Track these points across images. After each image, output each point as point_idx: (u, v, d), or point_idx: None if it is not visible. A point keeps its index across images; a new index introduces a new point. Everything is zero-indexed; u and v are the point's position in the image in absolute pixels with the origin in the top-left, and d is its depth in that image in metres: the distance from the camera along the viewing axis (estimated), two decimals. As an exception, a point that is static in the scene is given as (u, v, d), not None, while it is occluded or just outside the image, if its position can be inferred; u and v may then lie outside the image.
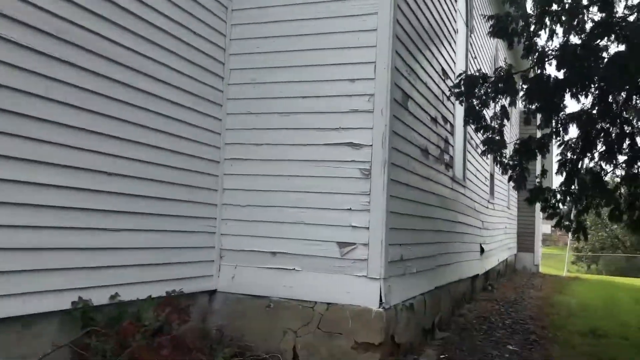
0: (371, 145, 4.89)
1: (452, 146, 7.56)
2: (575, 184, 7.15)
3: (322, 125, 5.10)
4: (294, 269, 5.08)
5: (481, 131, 6.59)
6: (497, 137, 6.52)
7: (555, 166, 7.38)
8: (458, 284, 8.23)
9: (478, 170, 9.74)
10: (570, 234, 7.80)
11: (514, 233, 16.99)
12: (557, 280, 15.60)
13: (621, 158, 7.11)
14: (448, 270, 7.43)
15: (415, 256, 5.79)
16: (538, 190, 7.22)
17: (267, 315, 5.09)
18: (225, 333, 5.13)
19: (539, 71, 6.48)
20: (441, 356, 5.73)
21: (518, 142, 7.13)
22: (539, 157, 7.41)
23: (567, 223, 7.79)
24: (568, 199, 7.58)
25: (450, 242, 7.60)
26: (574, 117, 6.68)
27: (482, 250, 10.11)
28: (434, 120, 6.56)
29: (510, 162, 7.19)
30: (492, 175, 11.86)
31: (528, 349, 6.36)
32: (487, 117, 6.59)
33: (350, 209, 4.92)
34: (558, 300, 10.57)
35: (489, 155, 7.17)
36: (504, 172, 7.26)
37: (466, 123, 6.41)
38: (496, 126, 6.55)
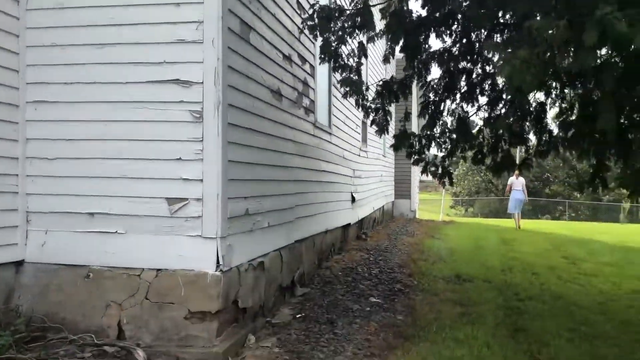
0: (202, 82, 4.15)
1: (313, 89, 6.98)
2: (438, 127, 6.91)
3: (144, 59, 4.26)
4: (116, 231, 4.30)
5: (339, 71, 6.04)
6: (355, 77, 6.01)
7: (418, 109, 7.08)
8: (325, 235, 7.85)
9: (347, 117, 9.32)
10: (437, 180, 7.63)
11: (391, 181, 17.13)
12: (432, 225, 16.01)
13: (483, 100, 6.96)
14: (312, 221, 6.98)
15: (267, 209, 5.21)
16: (402, 136, 6.89)
17: (86, 287, 4.30)
18: (35, 311, 4.29)
19: (400, 5, 6.00)
20: (298, 315, 5.29)
21: (380, 83, 6.70)
22: (412, 100, 7.08)
23: (432, 169, 7.61)
24: (433, 143, 7.37)
25: (314, 192, 7.13)
26: (435, 56, 6.33)
27: (353, 199, 9.84)
28: (288, 58, 5.90)
29: (372, 105, 6.77)
30: (364, 123, 11.55)
31: (391, 300, 6.12)
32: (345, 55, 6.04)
33: (180, 159, 4.19)
34: (429, 246, 10.66)
35: (349, 99, 6.69)
36: (366, 115, 6.84)
37: (322, 61, 5.83)
38: (354, 65, 6.03)
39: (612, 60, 4.46)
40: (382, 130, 7.00)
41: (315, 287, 6.43)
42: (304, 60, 6.49)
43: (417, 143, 7.24)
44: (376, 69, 12.28)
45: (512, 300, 6.40)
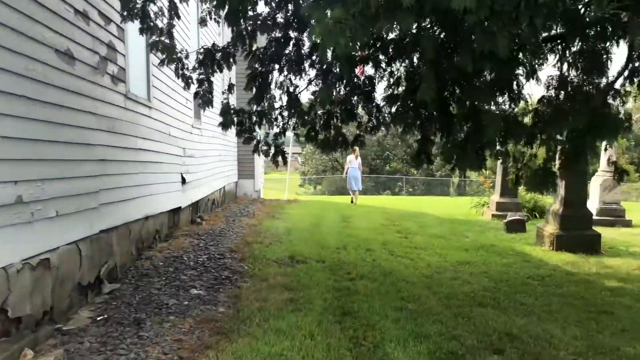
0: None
1: (123, 55, 6.08)
2: (265, 102, 6.43)
3: None
4: None
5: (148, 33, 5.27)
6: (167, 41, 5.28)
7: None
8: (146, 222, 7.05)
9: (174, 90, 8.46)
10: (270, 160, 7.18)
11: (233, 160, 16.51)
12: (276, 205, 15.72)
13: (313, 73, 6.60)
14: (126, 207, 6.15)
15: (55, 195, 4.33)
16: (226, 111, 6.31)
17: None
18: None
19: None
20: (99, 317, 4.52)
21: (201, 51, 6.03)
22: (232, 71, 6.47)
23: (265, 148, 7.17)
24: (264, 120, 6.90)
25: (129, 174, 6.29)
26: (260, 22, 5.81)
27: (183, 181, 9.08)
28: (83, 15, 4.97)
29: (194, 75, 6.09)
30: (198, 98, 10.76)
31: (215, 290, 5.56)
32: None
33: None
34: (267, 227, 10.27)
35: (168, 66, 5.93)
36: (187, 86, 6.14)
37: (125, 19, 5.01)
38: (164, 26, 5.29)
39: (432, 28, 4.29)
40: (206, 103, 6.35)
41: (129, 282, 5.66)
42: (108, 20, 5.57)
43: (247, 120, 6.72)
44: (209, 36, 11.47)
45: (344, 280, 6.19)
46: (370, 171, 47.91)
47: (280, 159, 7.14)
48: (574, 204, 9.19)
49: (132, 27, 6.02)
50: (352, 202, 17.58)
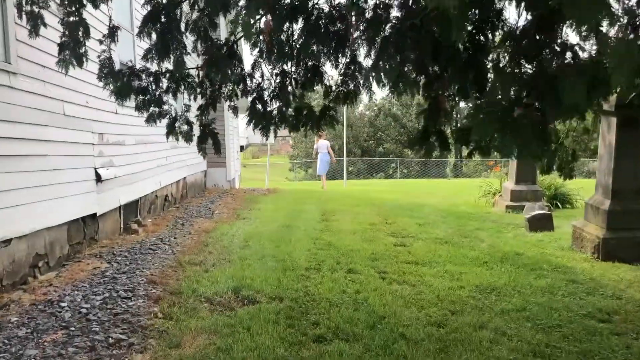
0: None
1: None
2: (172, 55, 4.03)
3: None
4: None
5: None
6: None
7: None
8: (9, 246, 4.66)
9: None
10: (197, 145, 4.81)
11: (198, 146, 14.06)
12: (249, 198, 13.34)
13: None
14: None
15: None
16: (109, 71, 3.92)
17: None
18: None
19: None
20: None
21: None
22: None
23: (185, 128, 4.85)
24: (181, 86, 4.54)
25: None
26: None
27: (99, 178, 6.66)
28: None
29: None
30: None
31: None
32: None
33: None
34: (222, 234, 7.87)
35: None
36: (34, 32, 3.71)
37: None
38: None
39: None
40: (77, 60, 3.94)
41: None
42: None
43: (153, 86, 4.32)
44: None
45: (306, 342, 3.84)
46: (362, 153, 45.54)
47: (211, 143, 4.78)
48: (624, 194, 6.87)
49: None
50: (323, 187, 17.39)
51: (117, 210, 7.50)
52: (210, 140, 4.77)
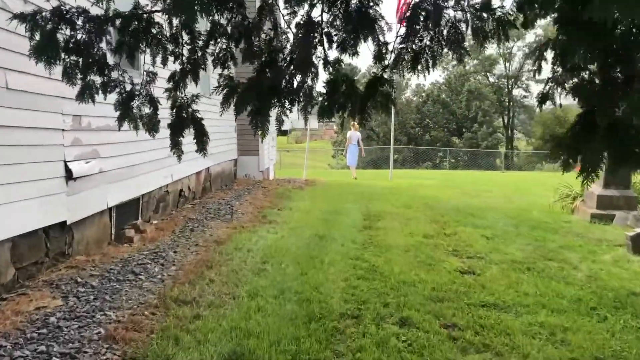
0: None
1: None
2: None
3: None
4: None
5: None
6: None
7: None
8: None
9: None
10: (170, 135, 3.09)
11: (228, 130, 12.45)
12: (282, 192, 11.64)
13: None
14: None
15: None
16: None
17: None
18: None
19: None
20: None
21: None
22: None
23: (149, 110, 3.11)
24: (143, 41, 2.78)
25: None
26: None
27: (70, 175, 5.03)
28: None
29: None
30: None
31: None
32: None
33: None
34: (234, 248, 6.14)
35: None
36: None
37: None
38: None
39: None
40: None
41: None
42: None
43: (94, 38, 2.59)
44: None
45: None
46: (408, 141, 43.30)
47: (193, 131, 3.07)
48: None
49: None
50: (354, 177, 16.97)
51: (104, 213, 5.90)
52: (192, 128, 3.04)
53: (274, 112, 3.11)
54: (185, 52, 2.84)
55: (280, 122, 3.11)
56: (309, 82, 2.98)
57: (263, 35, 2.87)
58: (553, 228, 8.29)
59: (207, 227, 7.34)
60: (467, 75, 46.61)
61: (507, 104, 48.55)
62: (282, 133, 64.87)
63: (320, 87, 3.21)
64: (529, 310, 4.51)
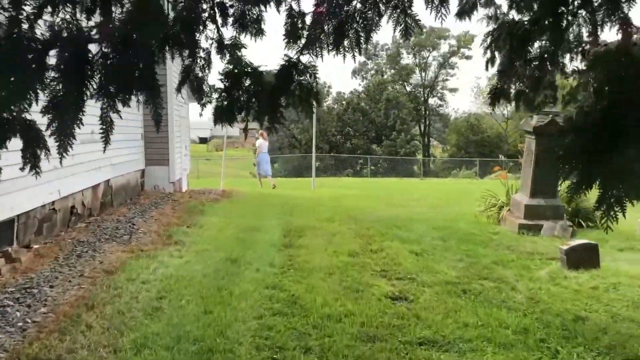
0: None
1: None
2: None
3: None
4: None
5: None
6: None
7: None
8: None
9: None
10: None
11: (134, 136, 11.26)
12: (194, 206, 10.57)
13: None
14: None
15: None
16: None
17: None
18: None
19: None
20: None
21: None
22: None
23: None
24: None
25: None
26: None
27: None
28: None
29: None
30: None
31: None
32: None
33: None
34: (127, 281, 5.09)
35: None
36: None
37: None
38: None
39: None
40: None
41: None
42: None
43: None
44: None
45: None
46: (329, 149, 43.01)
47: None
48: None
49: None
50: (273, 186, 16.64)
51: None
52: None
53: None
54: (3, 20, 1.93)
55: (157, 120, 2.26)
56: (198, 71, 2.15)
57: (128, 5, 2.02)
58: (482, 241, 7.86)
59: (99, 251, 6.26)
60: (385, 84, 47.20)
61: (423, 112, 49.57)
62: (202, 141, 62.70)
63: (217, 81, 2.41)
64: (473, 346, 3.88)
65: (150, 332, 3.75)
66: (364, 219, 9.43)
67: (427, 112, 49.80)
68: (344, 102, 46.14)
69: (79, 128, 2.34)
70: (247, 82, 2.32)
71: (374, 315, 4.36)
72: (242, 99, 2.32)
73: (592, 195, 9.10)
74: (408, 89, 49.39)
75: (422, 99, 49.59)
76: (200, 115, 2.63)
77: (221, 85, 2.40)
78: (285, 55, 2.02)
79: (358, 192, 15.80)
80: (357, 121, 44.64)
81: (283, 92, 2.04)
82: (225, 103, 2.37)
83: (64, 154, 2.27)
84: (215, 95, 2.40)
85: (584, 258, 6.38)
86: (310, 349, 3.66)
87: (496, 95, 2.63)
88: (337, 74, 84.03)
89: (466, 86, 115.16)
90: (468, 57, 47.91)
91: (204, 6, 2.02)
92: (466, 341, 3.96)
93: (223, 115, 2.39)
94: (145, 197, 11.47)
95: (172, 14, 2.13)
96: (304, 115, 2.42)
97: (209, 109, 2.74)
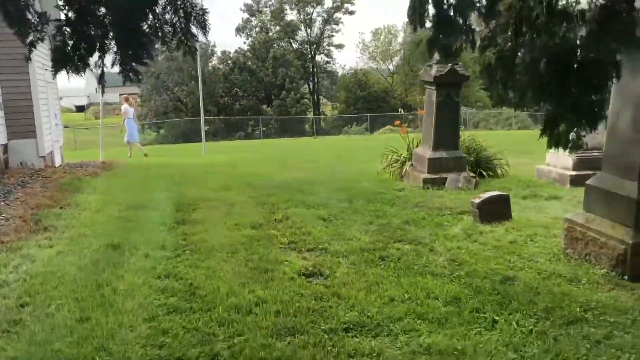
0: None
1: None
2: None
3: None
4: None
5: None
6: None
7: None
8: None
9: None
10: None
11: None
12: (68, 183, 9.25)
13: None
14: None
15: None
16: None
17: None
18: None
19: None
20: None
21: None
22: None
23: None
24: None
25: None
26: None
27: None
28: None
29: None
30: None
31: None
32: None
33: None
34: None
35: None
36: None
37: None
38: None
39: None
40: None
41: None
42: None
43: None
44: None
45: None
46: (218, 111, 41.38)
47: None
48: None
49: None
50: (144, 154, 15.94)
51: None
52: None
53: None
54: None
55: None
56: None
57: None
58: (389, 199, 7.50)
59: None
60: (271, 42, 45.98)
61: (311, 69, 49.06)
62: (79, 109, 57.75)
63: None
64: (405, 326, 3.41)
65: (4, 357, 2.86)
66: (264, 185, 8.74)
67: (315, 70, 49.35)
68: (229, 62, 44.41)
69: None
70: (102, 11, 1.53)
71: (289, 301, 3.75)
72: (93, 34, 1.52)
73: (491, 144, 9.02)
74: (295, 46, 48.48)
75: (309, 56, 48.98)
76: (69, 79, 1.80)
77: (61, 16, 1.58)
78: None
79: (252, 155, 15.04)
80: (245, 81, 43.29)
81: (144, 15, 1.29)
82: (71, 42, 1.56)
83: None
84: (52, 30, 1.59)
85: (496, 210, 6.20)
86: (218, 354, 2.97)
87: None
88: (221, 31, 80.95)
89: (351, 42, 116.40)
90: (351, 13, 47.78)
91: None
92: (396, 320, 3.48)
93: (67, 60, 1.59)
94: (10, 176, 9.94)
95: None
96: (182, 53, 1.67)
97: (89, 77, 1.94)
